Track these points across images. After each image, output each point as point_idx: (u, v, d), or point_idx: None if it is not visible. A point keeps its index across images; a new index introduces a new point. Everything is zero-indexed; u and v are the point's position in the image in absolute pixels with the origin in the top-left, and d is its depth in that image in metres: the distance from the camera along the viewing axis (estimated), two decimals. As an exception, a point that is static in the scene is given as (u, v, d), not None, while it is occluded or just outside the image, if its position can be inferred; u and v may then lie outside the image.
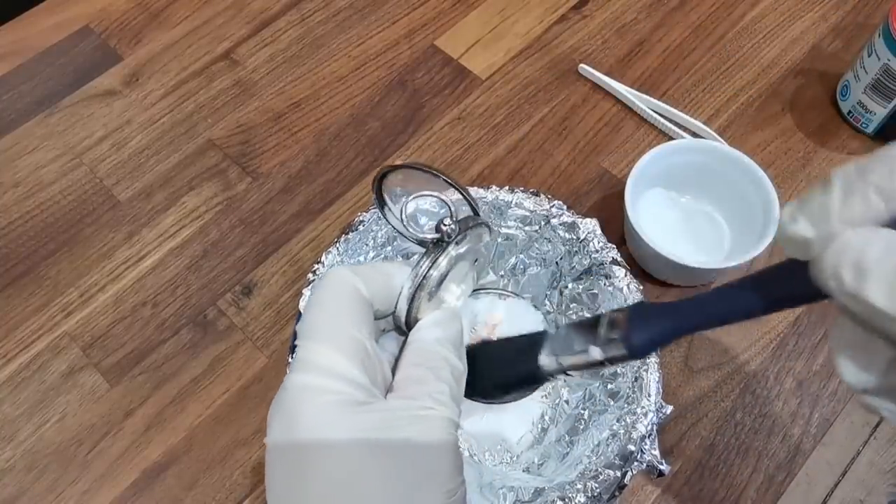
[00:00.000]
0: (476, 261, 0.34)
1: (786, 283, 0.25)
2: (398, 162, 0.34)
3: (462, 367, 0.30)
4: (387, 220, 0.33)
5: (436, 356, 0.29)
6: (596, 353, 0.30)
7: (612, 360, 0.30)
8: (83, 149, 0.59)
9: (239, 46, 0.64)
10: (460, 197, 0.33)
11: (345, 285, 0.28)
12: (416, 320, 0.31)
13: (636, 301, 0.30)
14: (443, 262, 0.31)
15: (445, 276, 0.31)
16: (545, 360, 0.32)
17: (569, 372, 0.32)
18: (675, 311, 0.29)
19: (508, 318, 0.49)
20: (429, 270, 0.30)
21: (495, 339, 0.38)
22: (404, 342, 0.31)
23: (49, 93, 0.61)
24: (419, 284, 0.30)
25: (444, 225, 0.31)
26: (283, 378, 0.28)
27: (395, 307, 0.30)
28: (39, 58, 0.63)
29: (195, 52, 0.63)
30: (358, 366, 0.27)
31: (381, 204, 0.33)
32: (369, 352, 0.28)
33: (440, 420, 0.27)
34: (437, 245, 0.31)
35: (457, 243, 0.32)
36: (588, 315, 0.46)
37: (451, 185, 0.32)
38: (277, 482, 0.26)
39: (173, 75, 0.62)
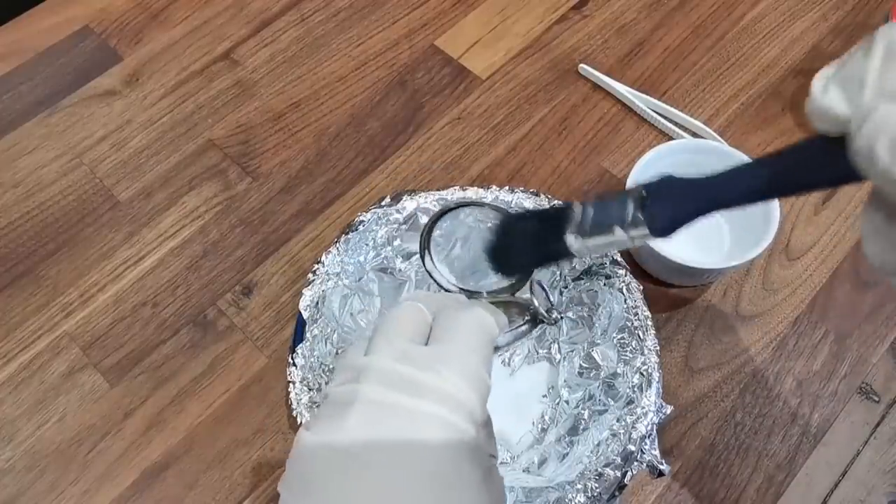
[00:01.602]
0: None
1: (815, 161, 0.23)
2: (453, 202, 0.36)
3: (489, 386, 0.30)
4: (427, 270, 0.34)
5: (484, 383, 0.29)
6: (620, 234, 0.29)
7: (638, 239, 0.29)
8: (83, 149, 0.59)
9: (239, 46, 0.64)
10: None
11: (485, 328, 0.29)
12: None
13: (654, 181, 0.29)
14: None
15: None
16: (571, 238, 0.30)
17: (591, 249, 0.31)
18: (699, 189, 0.27)
19: None
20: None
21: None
22: None
23: (49, 93, 0.61)
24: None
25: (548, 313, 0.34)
26: (391, 390, 0.26)
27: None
28: (39, 58, 0.63)
29: (195, 52, 0.63)
30: (484, 408, 0.27)
31: (427, 251, 0.35)
32: (488, 395, 0.28)
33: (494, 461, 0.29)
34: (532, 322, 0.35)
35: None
36: (587, 314, 0.47)
37: (496, 210, 0.34)
38: (330, 475, 0.25)
39: (173, 75, 0.62)
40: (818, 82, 0.20)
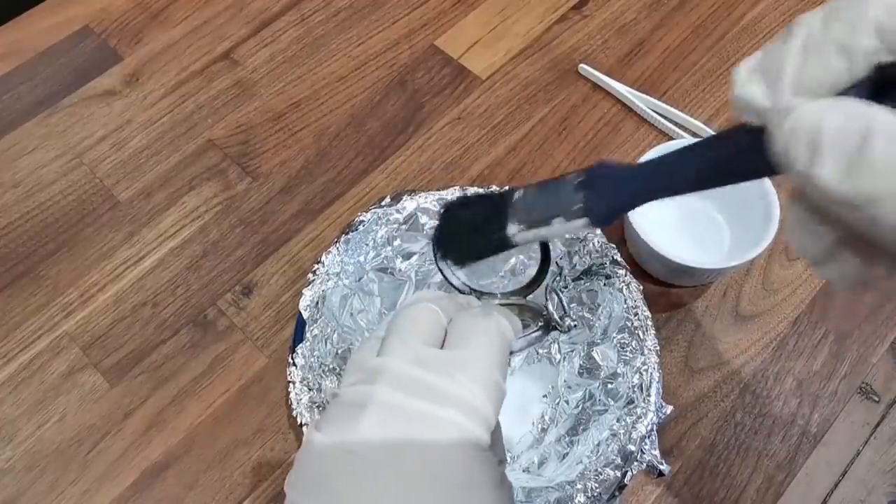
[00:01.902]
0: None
1: (742, 152, 0.23)
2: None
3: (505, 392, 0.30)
4: (440, 268, 0.33)
5: (500, 390, 0.29)
6: (560, 224, 0.28)
7: (575, 230, 0.28)
8: (83, 149, 0.59)
9: (239, 46, 0.64)
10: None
11: (503, 335, 0.29)
12: None
13: (591, 168, 0.28)
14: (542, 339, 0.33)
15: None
16: (513, 228, 0.29)
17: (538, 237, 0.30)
18: (635, 177, 0.27)
19: None
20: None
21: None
22: None
23: (49, 93, 0.61)
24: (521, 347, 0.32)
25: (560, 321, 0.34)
26: (413, 397, 0.26)
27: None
28: (39, 58, 0.63)
29: (195, 52, 0.63)
30: (497, 415, 0.27)
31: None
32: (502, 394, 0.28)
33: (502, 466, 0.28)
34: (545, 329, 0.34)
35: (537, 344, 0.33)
36: (587, 314, 0.47)
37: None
38: (335, 472, 0.25)
39: (173, 75, 0.62)
40: (742, 71, 0.20)
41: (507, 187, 0.32)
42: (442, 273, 0.33)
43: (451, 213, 0.33)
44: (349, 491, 0.25)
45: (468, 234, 0.32)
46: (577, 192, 0.28)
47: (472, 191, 0.48)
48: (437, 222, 0.33)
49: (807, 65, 0.18)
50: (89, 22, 0.65)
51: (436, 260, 0.33)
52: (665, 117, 0.58)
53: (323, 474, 0.25)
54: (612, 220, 0.28)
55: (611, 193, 0.27)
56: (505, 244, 0.30)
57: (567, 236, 0.46)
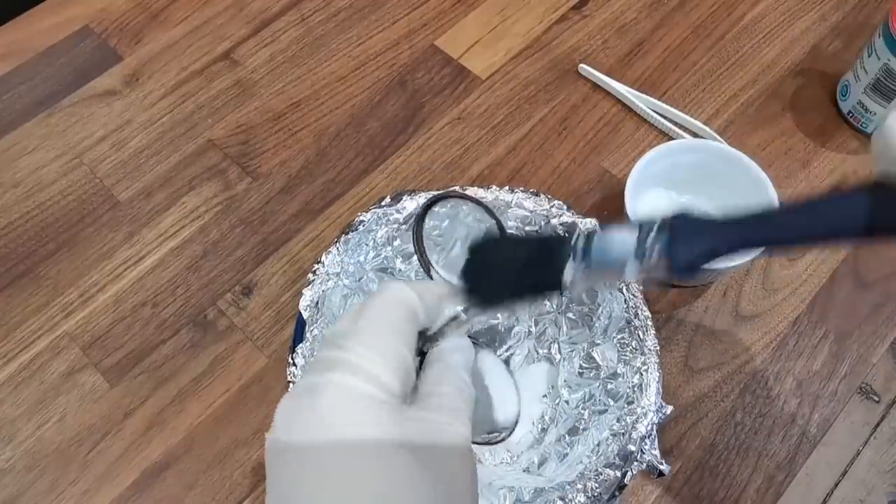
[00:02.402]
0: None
1: (863, 213, 0.22)
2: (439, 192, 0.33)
3: (474, 393, 0.30)
4: (421, 262, 0.33)
5: (458, 379, 0.30)
6: (633, 271, 0.26)
7: (649, 280, 0.28)
8: (83, 149, 0.59)
9: (239, 46, 0.64)
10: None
11: (400, 300, 0.29)
12: (436, 339, 0.31)
13: (675, 215, 0.26)
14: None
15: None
16: (571, 271, 0.27)
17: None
18: (727, 228, 0.26)
19: None
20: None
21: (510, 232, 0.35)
22: (423, 357, 0.31)
23: (49, 93, 0.61)
24: (459, 313, 0.31)
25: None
26: (308, 375, 0.27)
27: (431, 329, 0.31)
28: (39, 58, 0.63)
29: (195, 52, 0.63)
30: (398, 377, 0.27)
31: (420, 244, 0.33)
32: (410, 371, 0.28)
33: (461, 436, 0.27)
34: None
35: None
36: (588, 312, 0.46)
37: (489, 213, 0.32)
38: (288, 477, 0.26)
39: (173, 75, 0.62)
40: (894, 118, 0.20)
41: (561, 232, 0.31)
42: (420, 263, 0.32)
43: (488, 249, 0.30)
44: (274, 481, 0.26)
45: (510, 274, 0.30)
46: (655, 239, 0.26)
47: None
48: (468, 251, 0.30)
49: None
50: (89, 22, 0.65)
51: (415, 246, 0.32)
52: (665, 117, 0.58)
53: (274, 461, 0.27)
54: (695, 270, 0.26)
55: (697, 240, 0.26)
56: (559, 288, 0.28)
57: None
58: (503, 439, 0.36)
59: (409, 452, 0.25)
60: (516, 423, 0.36)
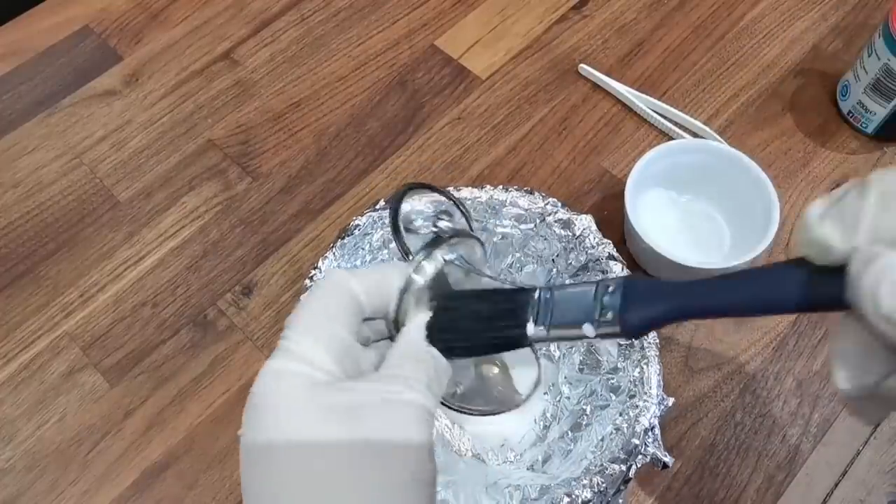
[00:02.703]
0: (468, 274, 0.34)
1: (800, 286, 0.25)
2: (408, 182, 0.34)
3: (446, 365, 0.30)
4: (398, 245, 0.32)
5: (420, 351, 0.29)
6: (589, 330, 0.28)
7: (604, 337, 0.28)
8: (83, 149, 0.59)
9: (239, 46, 0.64)
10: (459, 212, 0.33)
11: (336, 284, 0.29)
12: (402, 322, 0.31)
13: (625, 279, 0.28)
14: (429, 267, 0.31)
15: (432, 278, 0.31)
16: (533, 328, 0.29)
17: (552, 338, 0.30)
18: (675, 294, 0.27)
19: None
20: (415, 272, 0.30)
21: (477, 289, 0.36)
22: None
23: (49, 93, 0.61)
24: (407, 285, 0.30)
25: (440, 221, 0.31)
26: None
27: (390, 313, 0.30)
28: (39, 58, 0.63)
29: (195, 52, 0.63)
30: (334, 357, 0.27)
31: (396, 226, 0.33)
32: (349, 348, 0.28)
33: (410, 405, 0.27)
34: (427, 248, 0.31)
35: (449, 247, 0.32)
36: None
37: (455, 203, 0.32)
38: (245, 467, 0.26)
39: (173, 75, 0.62)
40: (813, 213, 0.22)
41: (520, 284, 0.32)
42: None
43: (453, 303, 0.31)
44: (245, 465, 0.26)
45: (475, 326, 0.31)
46: (610, 300, 0.28)
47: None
48: (434, 306, 0.31)
49: (884, 217, 0.21)
50: (89, 22, 0.65)
51: (402, 254, 0.32)
52: (665, 117, 0.58)
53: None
54: (645, 332, 0.28)
55: (646, 306, 0.27)
56: (520, 342, 0.30)
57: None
58: (519, 404, 0.35)
59: (332, 424, 0.25)
60: (536, 386, 0.35)
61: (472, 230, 0.34)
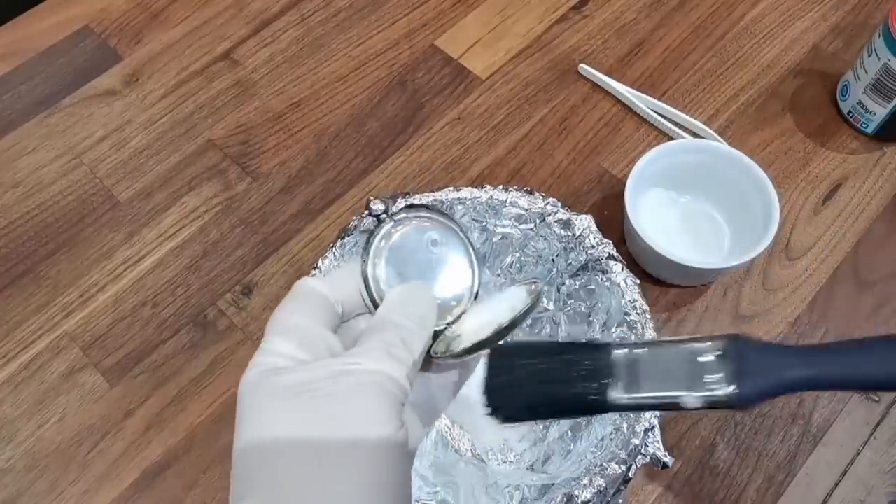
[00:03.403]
0: (435, 243, 0.31)
1: None
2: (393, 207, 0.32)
3: (411, 325, 0.28)
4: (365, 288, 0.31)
5: (382, 322, 0.28)
6: (690, 401, 0.23)
7: (709, 409, 0.24)
8: (83, 149, 0.59)
9: (239, 46, 0.64)
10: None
11: (298, 287, 0.29)
12: None
13: (731, 334, 0.24)
14: (374, 241, 0.30)
15: (385, 252, 0.30)
16: (616, 394, 0.24)
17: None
18: (805, 361, 0.23)
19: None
20: (367, 245, 0.30)
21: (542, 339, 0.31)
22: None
23: (49, 93, 0.61)
24: (363, 263, 0.30)
25: (373, 204, 0.30)
26: None
27: (363, 299, 0.30)
28: (39, 58, 0.63)
29: (195, 52, 0.63)
30: (299, 344, 0.27)
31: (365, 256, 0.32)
32: (320, 338, 0.28)
33: (370, 373, 0.25)
34: (372, 232, 0.31)
35: (395, 221, 0.30)
36: (585, 310, 0.46)
37: (453, 223, 0.31)
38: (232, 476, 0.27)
39: (173, 75, 0.62)
40: None
41: (599, 339, 0.27)
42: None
43: (513, 361, 0.27)
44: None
45: (541, 390, 0.26)
46: (717, 366, 0.23)
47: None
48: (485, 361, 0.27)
49: None
50: (89, 22, 0.65)
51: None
52: (665, 117, 0.58)
53: None
54: (757, 405, 0.24)
55: (766, 374, 0.23)
56: (600, 409, 0.25)
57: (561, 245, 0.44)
58: (457, 317, 0.30)
59: (286, 407, 0.25)
60: (474, 295, 0.31)
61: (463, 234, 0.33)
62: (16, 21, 0.66)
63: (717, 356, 0.24)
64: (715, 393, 0.23)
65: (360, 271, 0.30)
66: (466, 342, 0.28)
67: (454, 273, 0.31)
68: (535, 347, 0.28)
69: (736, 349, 0.24)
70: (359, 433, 0.24)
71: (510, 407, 0.27)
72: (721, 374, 0.23)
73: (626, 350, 0.25)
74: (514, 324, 0.27)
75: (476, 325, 0.29)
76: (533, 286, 0.29)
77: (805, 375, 0.23)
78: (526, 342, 0.29)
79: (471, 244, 0.32)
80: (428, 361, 0.29)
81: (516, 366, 0.27)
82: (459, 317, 0.30)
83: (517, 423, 0.27)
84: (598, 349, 0.26)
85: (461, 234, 0.32)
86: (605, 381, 0.25)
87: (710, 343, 0.24)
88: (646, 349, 0.25)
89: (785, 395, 0.23)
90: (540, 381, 0.26)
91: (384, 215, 0.31)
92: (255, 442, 0.25)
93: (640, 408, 0.25)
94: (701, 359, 0.24)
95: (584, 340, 0.27)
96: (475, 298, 0.31)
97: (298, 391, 0.25)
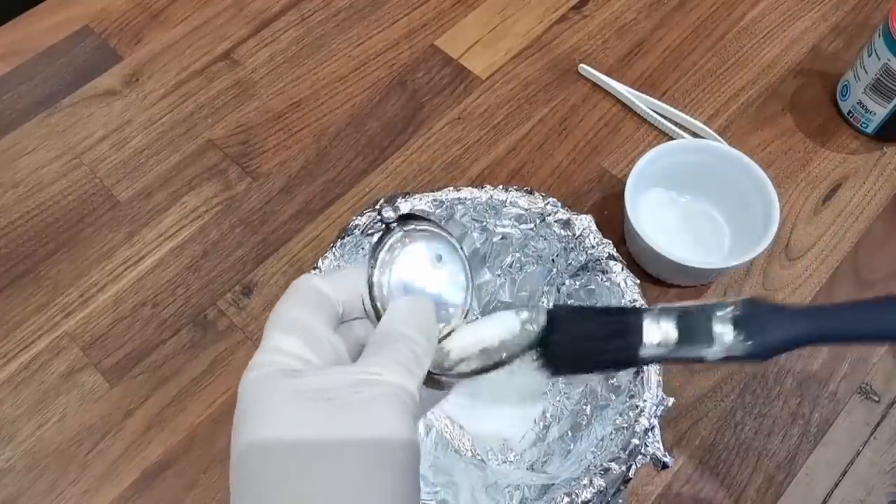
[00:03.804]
0: (440, 258, 0.32)
1: None
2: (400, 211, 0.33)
3: (423, 340, 0.28)
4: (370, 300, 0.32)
5: (393, 333, 0.28)
6: (712, 352, 0.28)
7: (727, 360, 0.29)
8: (83, 149, 0.59)
9: (239, 46, 0.64)
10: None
11: (299, 283, 0.29)
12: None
13: (747, 298, 0.29)
14: (383, 248, 0.31)
15: (393, 261, 0.31)
16: (648, 349, 0.29)
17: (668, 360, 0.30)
18: (811, 317, 0.27)
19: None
20: (374, 252, 0.30)
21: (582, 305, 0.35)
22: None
23: (49, 93, 0.61)
24: (370, 268, 0.30)
25: (384, 211, 0.31)
26: None
27: (363, 303, 0.30)
28: (39, 58, 0.63)
29: (195, 52, 0.63)
30: (303, 343, 0.27)
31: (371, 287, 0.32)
32: (324, 338, 0.28)
33: (390, 386, 0.26)
34: (383, 233, 0.31)
35: (404, 232, 0.31)
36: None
37: (444, 232, 0.32)
38: (231, 474, 0.26)
39: (173, 75, 0.62)
40: None
41: (636, 304, 0.34)
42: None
43: (563, 321, 0.32)
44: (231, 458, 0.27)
45: (584, 346, 0.31)
46: (735, 323, 0.28)
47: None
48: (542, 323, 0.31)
49: None
50: (89, 22, 0.65)
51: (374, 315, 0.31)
52: (665, 117, 0.58)
53: None
54: (774, 355, 0.28)
55: (778, 328, 0.27)
56: (634, 362, 0.31)
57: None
58: (453, 328, 0.32)
59: (302, 411, 0.25)
60: (465, 313, 0.33)
61: (460, 248, 0.33)
62: (16, 21, 0.66)
63: (735, 315, 0.28)
64: (732, 346, 0.28)
65: (366, 276, 0.30)
66: (454, 358, 0.31)
67: (452, 290, 0.32)
68: (578, 310, 0.32)
69: (751, 309, 0.28)
70: (383, 439, 0.25)
71: (558, 360, 0.31)
72: (738, 331, 0.27)
73: (655, 311, 0.30)
74: (511, 354, 0.31)
75: (465, 342, 0.31)
76: (526, 314, 0.31)
77: (809, 331, 0.27)
78: (570, 306, 0.33)
79: (468, 265, 0.33)
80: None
81: (564, 326, 0.31)
82: (449, 333, 0.32)
83: (563, 377, 0.34)
84: (634, 312, 0.30)
85: (461, 253, 0.33)
86: (639, 338, 0.29)
87: (729, 304, 0.28)
88: (675, 312, 0.30)
89: (795, 348, 0.27)
90: (583, 338, 0.31)
91: (394, 224, 0.31)
92: (265, 442, 0.25)
93: (667, 360, 0.30)
94: (720, 316, 0.28)
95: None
96: (465, 317, 0.32)
97: (316, 397, 0.25)
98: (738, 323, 0.28)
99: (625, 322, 0.30)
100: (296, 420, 0.25)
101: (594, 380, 0.45)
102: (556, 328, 0.31)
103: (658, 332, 0.29)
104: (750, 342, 0.27)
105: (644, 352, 0.29)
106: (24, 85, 0.62)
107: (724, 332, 0.28)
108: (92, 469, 0.47)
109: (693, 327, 0.29)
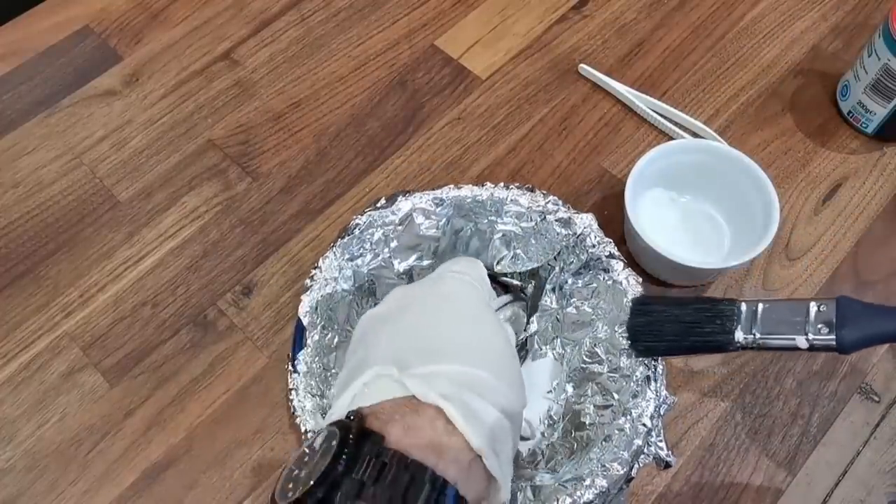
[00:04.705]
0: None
1: None
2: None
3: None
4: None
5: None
6: (802, 342, 0.31)
7: (816, 350, 0.31)
8: (83, 149, 0.59)
9: (239, 46, 0.64)
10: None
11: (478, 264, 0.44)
12: None
13: (837, 297, 0.32)
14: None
15: None
16: (741, 335, 0.32)
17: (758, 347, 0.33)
18: (893, 319, 0.30)
19: None
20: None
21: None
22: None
23: (49, 93, 0.61)
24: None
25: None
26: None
27: None
28: (39, 58, 0.63)
29: (195, 52, 0.63)
30: (482, 282, 0.42)
31: None
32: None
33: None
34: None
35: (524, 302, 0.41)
36: (588, 309, 0.47)
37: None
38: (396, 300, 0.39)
39: (173, 75, 0.62)
40: None
41: (721, 298, 0.37)
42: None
43: (652, 308, 0.36)
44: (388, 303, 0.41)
45: (676, 330, 0.35)
46: (825, 316, 0.31)
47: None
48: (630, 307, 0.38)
49: None
50: (89, 22, 0.65)
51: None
52: (665, 117, 0.58)
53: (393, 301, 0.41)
54: (858, 349, 0.31)
55: (864, 325, 0.30)
56: (726, 347, 0.34)
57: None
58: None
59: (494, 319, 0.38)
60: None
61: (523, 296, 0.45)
62: (16, 21, 0.66)
63: (824, 310, 0.31)
64: (822, 338, 0.31)
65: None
66: None
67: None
68: (668, 298, 0.38)
69: (840, 306, 0.31)
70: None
71: (649, 341, 0.35)
72: (827, 324, 0.30)
73: (749, 302, 0.33)
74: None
75: None
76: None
77: (889, 332, 0.30)
78: (659, 296, 0.38)
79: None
80: None
81: (654, 310, 0.36)
82: None
83: (651, 357, 0.37)
84: (725, 301, 0.34)
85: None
86: (732, 325, 0.33)
87: (820, 301, 0.31)
88: (767, 303, 0.33)
89: (879, 344, 0.31)
90: (676, 322, 0.35)
91: (523, 293, 0.47)
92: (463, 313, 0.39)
93: (760, 347, 0.33)
94: (812, 311, 0.31)
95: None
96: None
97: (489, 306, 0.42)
98: (828, 316, 0.30)
99: (720, 309, 0.33)
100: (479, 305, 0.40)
101: (597, 379, 0.45)
102: (644, 313, 0.35)
103: (751, 320, 0.32)
104: (838, 334, 0.30)
105: (738, 336, 0.33)
106: (24, 85, 0.62)
107: (816, 324, 0.31)
108: (92, 469, 0.47)
109: (784, 318, 0.32)
